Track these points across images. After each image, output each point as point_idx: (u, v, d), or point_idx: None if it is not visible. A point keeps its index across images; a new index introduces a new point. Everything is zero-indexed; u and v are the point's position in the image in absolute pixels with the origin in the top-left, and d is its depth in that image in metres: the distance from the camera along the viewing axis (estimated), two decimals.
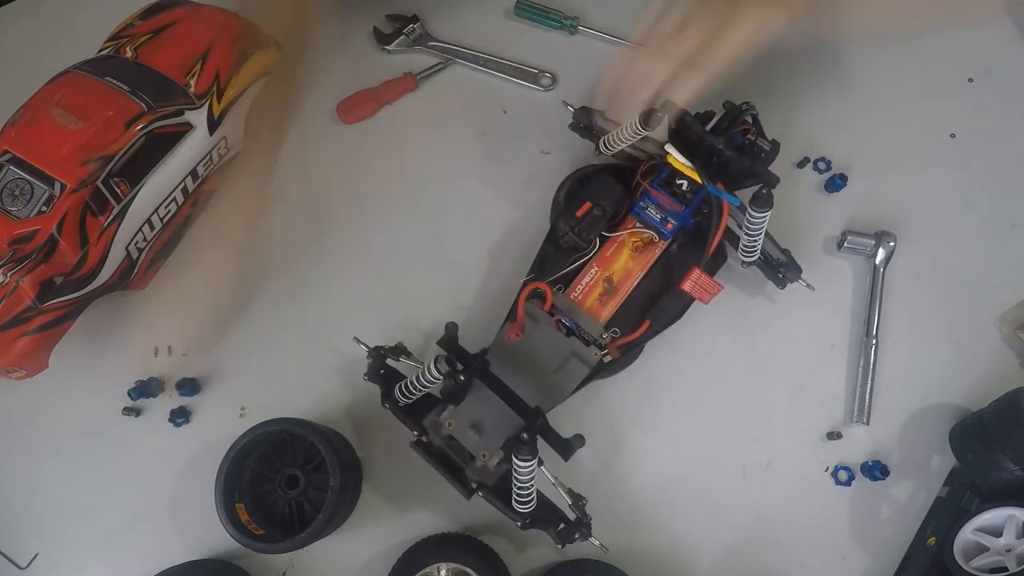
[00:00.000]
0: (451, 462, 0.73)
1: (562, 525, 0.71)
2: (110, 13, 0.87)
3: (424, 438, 0.73)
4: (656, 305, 0.79)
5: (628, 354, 0.79)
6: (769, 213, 0.74)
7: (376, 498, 0.83)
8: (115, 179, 0.76)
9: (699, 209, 0.80)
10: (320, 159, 0.94)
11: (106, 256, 0.78)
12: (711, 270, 0.80)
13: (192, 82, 0.82)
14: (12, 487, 0.83)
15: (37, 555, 0.81)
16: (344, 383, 0.86)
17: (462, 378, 0.69)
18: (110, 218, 0.77)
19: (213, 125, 0.83)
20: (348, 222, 0.91)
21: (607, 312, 0.78)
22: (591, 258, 0.79)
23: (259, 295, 0.88)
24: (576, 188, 0.83)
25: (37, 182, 0.73)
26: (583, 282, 0.79)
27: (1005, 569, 0.76)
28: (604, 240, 0.80)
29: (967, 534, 0.78)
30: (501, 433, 0.72)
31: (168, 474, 0.83)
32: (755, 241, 0.77)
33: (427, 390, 0.72)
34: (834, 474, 0.85)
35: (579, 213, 0.78)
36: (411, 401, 0.73)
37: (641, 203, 0.80)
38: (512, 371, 0.75)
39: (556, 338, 0.76)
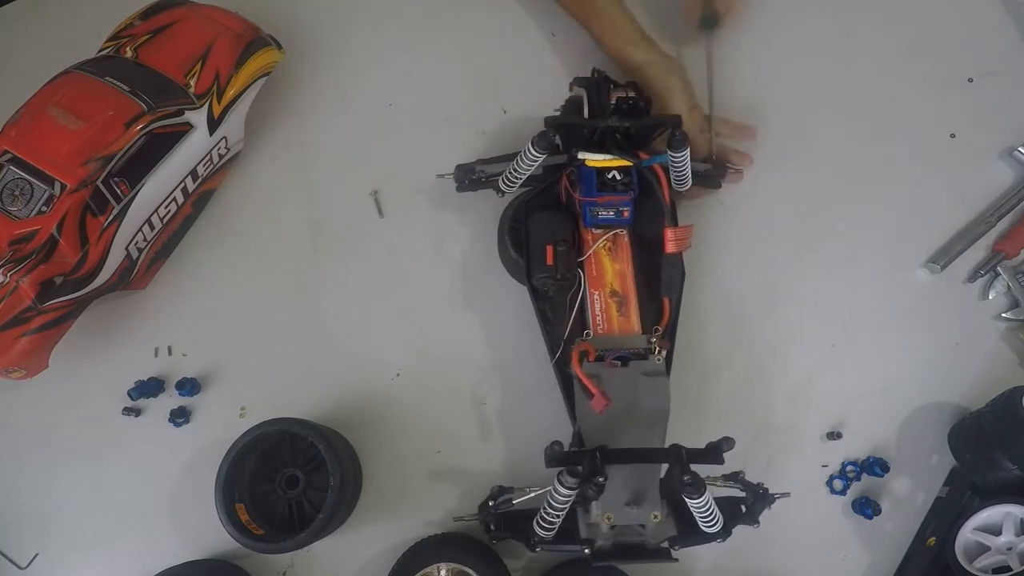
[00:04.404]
0: (634, 549, 0.71)
1: (743, 508, 0.72)
2: (110, 13, 0.87)
3: (593, 548, 0.70)
4: (661, 281, 0.79)
5: (672, 337, 0.79)
6: (687, 150, 0.77)
7: (376, 498, 0.83)
8: (115, 179, 0.76)
9: (641, 182, 0.79)
10: (320, 162, 0.94)
11: (106, 256, 0.78)
12: (671, 220, 0.80)
13: (192, 82, 0.82)
14: (12, 487, 0.83)
15: (37, 555, 0.81)
16: (344, 383, 0.86)
17: (601, 479, 0.66)
18: (110, 218, 0.77)
19: (213, 125, 0.83)
20: (348, 223, 0.91)
21: (635, 319, 0.78)
22: (584, 287, 0.78)
23: (260, 296, 0.88)
24: (515, 233, 0.83)
25: (37, 182, 0.73)
26: (596, 311, 0.78)
27: (1008, 568, 0.76)
28: (581, 265, 0.79)
29: (967, 534, 0.78)
30: (652, 489, 0.70)
31: (168, 474, 0.82)
32: (684, 173, 0.81)
33: (565, 509, 0.68)
34: (828, 483, 0.85)
35: (549, 261, 0.77)
36: (554, 529, 0.70)
37: (588, 213, 0.79)
38: (619, 433, 0.72)
39: (622, 375, 0.74)
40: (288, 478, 0.77)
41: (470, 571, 0.75)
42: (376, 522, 0.82)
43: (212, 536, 0.78)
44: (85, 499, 0.82)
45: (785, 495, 0.72)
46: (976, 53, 1.01)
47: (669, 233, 0.77)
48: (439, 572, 0.76)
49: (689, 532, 0.71)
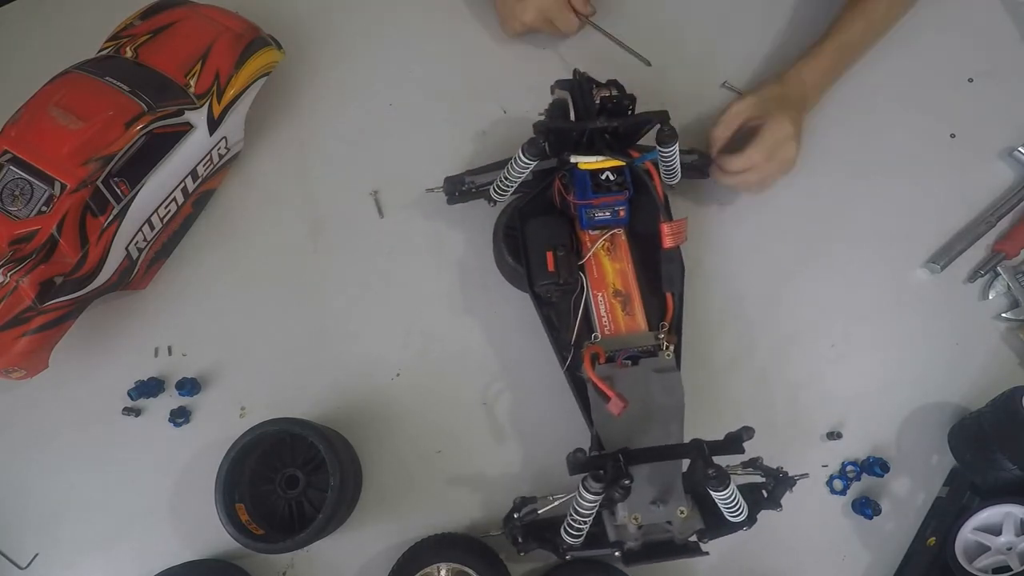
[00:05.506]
0: (665, 546, 0.71)
1: (764, 493, 0.72)
2: (110, 13, 0.87)
3: (623, 550, 0.70)
4: (662, 276, 0.78)
5: (678, 331, 0.79)
6: (676, 144, 0.76)
7: (376, 498, 0.83)
8: (115, 179, 0.76)
9: (633, 179, 0.79)
10: (320, 162, 0.94)
11: (106, 256, 0.78)
12: (666, 215, 0.80)
13: (192, 82, 0.82)
14: (12, 487, 0.83)
15: (37, 555, 0.81)
16: (344, 383, 0.86)
17: (627, 482, 0.66)
18: (110, 218, 0.77)
19: (213, 125, 0.83)
20: (348, 223, 0.91)
21: (640, 317, 0.78)
22: (587, 290, 0.78)
23: (260, 296, 0.88)
24: (510, 241, 0.83)
25: (37, 182, 0.73)
26: (601, 313, 0.77)
27: (1008, 568, 0.76)
28: (582, 268, 0.79)
29: (967, 534, 0.78)
30: (676, 485, 0.70)
31: (168, 474, 0.82)
32: (673, 167, 0.81)
33: (592, 514, 0.67)
34: (828, 483, 0.85)
35: (550, 268, 0.77)
36: (583, 535, 0.69)
37: (585, 215, 0.78)
38: (637, 432, 0.72)
39: (634, 374, 0.74)
40: (288, 478, 0.77)
41: (470, 571, 0.75)
42: (376, 522, 0.82)
43: (212, 536, 0.78)
44: (85, 499, 0.82)
45: (804, 476, 0.73)
46: (976, 53, 1.01)
47: (665, 228, 0.77)
48: (439, 572, 0.76)
49: (715, 524, 0.71)
